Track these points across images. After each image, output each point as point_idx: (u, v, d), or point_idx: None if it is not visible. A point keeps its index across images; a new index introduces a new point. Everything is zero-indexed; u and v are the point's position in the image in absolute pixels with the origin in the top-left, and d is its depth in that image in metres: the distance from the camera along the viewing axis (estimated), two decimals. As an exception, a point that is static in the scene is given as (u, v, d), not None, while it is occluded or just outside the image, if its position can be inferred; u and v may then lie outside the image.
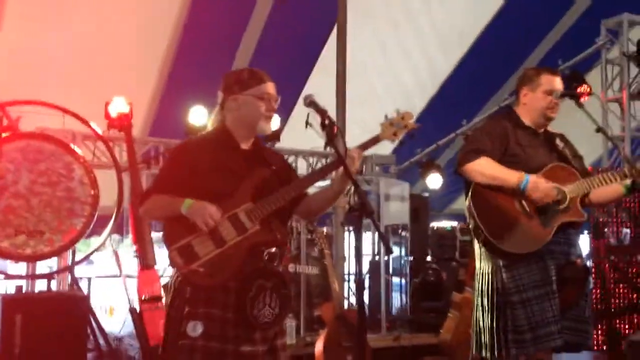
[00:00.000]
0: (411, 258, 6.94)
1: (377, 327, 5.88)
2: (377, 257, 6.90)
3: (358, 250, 2.49)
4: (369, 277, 6.70)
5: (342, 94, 5.35)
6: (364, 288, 2.92)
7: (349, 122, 7.08)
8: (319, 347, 4.70)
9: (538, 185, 2.99)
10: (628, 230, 6.48)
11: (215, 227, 2.35)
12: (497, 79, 7.58)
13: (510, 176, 3.03)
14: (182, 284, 2.42)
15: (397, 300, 6.90)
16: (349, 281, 6.63)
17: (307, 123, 6.53)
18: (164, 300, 4.48)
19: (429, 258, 7.23)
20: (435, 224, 7.91)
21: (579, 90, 6.80)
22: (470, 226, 3.13)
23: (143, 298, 4.50)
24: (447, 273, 6.52)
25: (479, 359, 3.20)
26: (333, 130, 2.43)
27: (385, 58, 7.19)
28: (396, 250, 7.00)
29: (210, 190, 2.42)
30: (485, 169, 3.06)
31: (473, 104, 7.89)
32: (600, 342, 6.07)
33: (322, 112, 2.50)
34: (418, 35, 7.09)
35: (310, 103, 2.54)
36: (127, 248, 5.48)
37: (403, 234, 6.89)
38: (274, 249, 2.46)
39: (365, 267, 6.80)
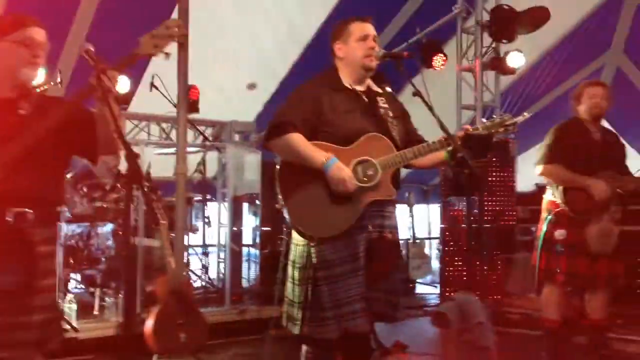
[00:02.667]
0: (269, 228, 6.74)
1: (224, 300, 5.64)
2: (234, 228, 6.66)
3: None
4: (224, 249, 6.43)
5: (184, 61, 4.95)
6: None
7: (206, 86, 6.76)
8: (149, 324, 4.38)
9: (339, 172, 2.77)
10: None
11: None
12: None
13: (317, 157, 2.80)
14: None
15: (254, 272, 6.69)
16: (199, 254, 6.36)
17: (151, 85, 6.12)
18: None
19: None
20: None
21: (434, 58, 6.81)
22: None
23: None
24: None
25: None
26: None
27: (243, 18, 6.85)
28: (252, 221, 6.77)
29: None
30: (292, 145, 2.82)
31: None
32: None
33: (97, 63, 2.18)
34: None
35: (87, 52, 2.22)
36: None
37: (259, 203, 6.65)
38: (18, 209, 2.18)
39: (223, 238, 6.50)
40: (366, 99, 3.00)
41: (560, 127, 4.50)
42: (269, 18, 6.90)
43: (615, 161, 4.41)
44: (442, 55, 6.82)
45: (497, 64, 6.84)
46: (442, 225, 6.50)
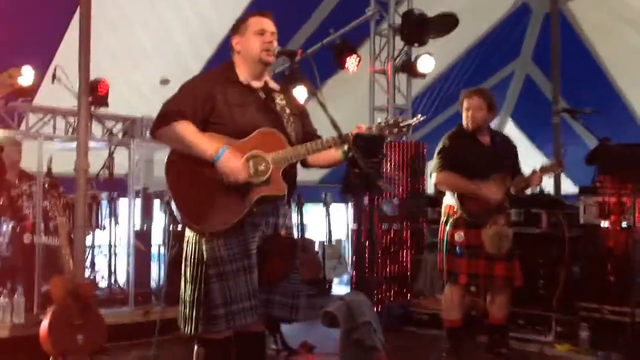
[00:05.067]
0: (179, 227, 6.60)
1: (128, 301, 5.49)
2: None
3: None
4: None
5: (86, 53, 4.77)
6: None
7: (118, 81, 6.57)
8: (44, 325, 4.21)
9: (229, 162, 2.73)
10: (395, 200, 6.70)
11: None
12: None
13: (206, 147, 2.74)
14: None
15: (163, 272, 6.53)
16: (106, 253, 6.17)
17: (53, 77, 5.87)
18: None
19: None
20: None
21: (348, 59, 6.87)
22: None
23: None
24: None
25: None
26: None
27: (154, 12, 6.70)
28: (163, 219, 6.62)
29: None
30: (180, 134, 2.75)
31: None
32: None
33: None
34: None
35: None
36: None
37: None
38: None
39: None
40: (262, 95, 2.98)
41: (449, 135, 4.64)
42: (181, 13, 6.78)
43: (506, 163, 4.56)
44: (355, 56, 6.87)
45: (409, 67, 6.96)
46: (353, 226, 6.55)
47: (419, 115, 3.06)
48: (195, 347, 2.93)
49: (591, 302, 5.19)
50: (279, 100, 3.01)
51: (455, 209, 4.49)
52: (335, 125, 2.77)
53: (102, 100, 6.50)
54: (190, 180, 2.78)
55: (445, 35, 6.81)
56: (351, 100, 7.71)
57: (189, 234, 2.91)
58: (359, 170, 2.68)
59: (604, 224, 5.38)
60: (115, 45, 6.55)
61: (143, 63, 7.03)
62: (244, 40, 2.94)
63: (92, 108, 6.47)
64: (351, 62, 6.86)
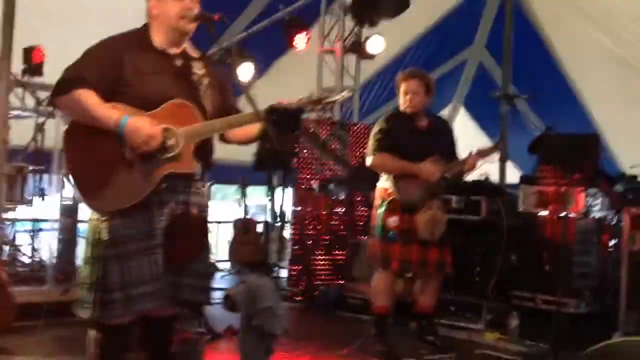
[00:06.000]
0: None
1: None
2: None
3: None
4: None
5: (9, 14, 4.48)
6: None
7: (54, 49, 6.23)
8: (-53, 304, 3.96)
9: (138, 128, 2.50)
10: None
11: None
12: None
13: (109, 114, 2.51)
14: None
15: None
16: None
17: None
18: None
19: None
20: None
21: (296, 37, 6.68)
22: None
23: None
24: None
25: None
26: None
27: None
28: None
29: None
30: (81, 103, 2.51)
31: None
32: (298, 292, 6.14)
33: None
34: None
35: None
36: None
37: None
38: None
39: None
40: (179, 63, 2.76)
41: (385, 118, 4.53)
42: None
43: (443, 148, 4.46)
44: (304, 35, 6.68)
45: (358, 48, 6.80)
46: (294, 208, 6.39)
47: (344, 92, 2.88)
48: (91, 333, 2.72)
49: (525, 291, 5.16)
50: (198, 69, 2.79)
51: (389, 193, 4.37)
52: (250, 100, 2.58)
53: (37, 69, 6.21)
54: (90, 155, 2.56)
55: (396, 16, 6.67)
56: (301, 81, 7.51)
57: (89, 210, 2.70)
58: (270, 146, 2.50)
59: (543, 213, 5.34)
60: (48, 9, 6.22)
61: (81, 30, 6.69)
62: (161, 3, 2.71)
63: (26, 77, 6.20)
64: (300, 39, 6.67)
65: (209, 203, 2.91)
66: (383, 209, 4.38)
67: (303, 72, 7.45)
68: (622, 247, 4.77)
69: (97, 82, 2.56)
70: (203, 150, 2.72)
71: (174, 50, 2.75)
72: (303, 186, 6.33)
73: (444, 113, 10.17)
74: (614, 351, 3.09)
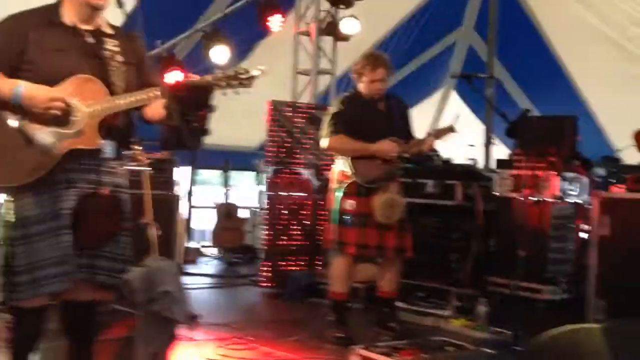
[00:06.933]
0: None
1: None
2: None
3: None
4: None
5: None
6: None
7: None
8: None
9: (37, 92, 2.41)
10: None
11: None
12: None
13: (3, 85, 2.43)
14: None
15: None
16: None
17: None
18: None
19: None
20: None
21: (270, 18, 6.54)
22: None
23: None
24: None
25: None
26: None
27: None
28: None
29: None
30: None
31: (171, 30, 7.21)
32: (270, 278, 6.03)
33: None
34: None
35: None
36: None
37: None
38: None
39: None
40: (91, 39, 2.65)
41: (342, 100, 4.40)
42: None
43: (400, 129, 4.33)
44: (280, 15, 6.54)
45: (332, 30, 6.64)
46: (268, 193, 6.26)
47: (260, 67, 2.72)
48: (3, 316, 2.64)
49: (500, 277, 5.03)
50: (111, 46, 2.67)
51: (346, 176, 4.25)
52: (156, 77, 2.46)
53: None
54: None
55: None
56: (280, 64, 7.38)
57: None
58: (172, 124, 2.38)
59: (518, 197, 5.19)
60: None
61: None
62: None
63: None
64: (274, 21, 6.53)
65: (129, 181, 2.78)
66: (340, 192, 4.26)
67: (281, 56, 7.31)
68: (591, 233, 4.61)
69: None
70: (115, 128, 2.60)
71: (85, 27, 2.64)
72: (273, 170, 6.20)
73: (437, 97, 10.00)
74: (559, 340, 2.94)
